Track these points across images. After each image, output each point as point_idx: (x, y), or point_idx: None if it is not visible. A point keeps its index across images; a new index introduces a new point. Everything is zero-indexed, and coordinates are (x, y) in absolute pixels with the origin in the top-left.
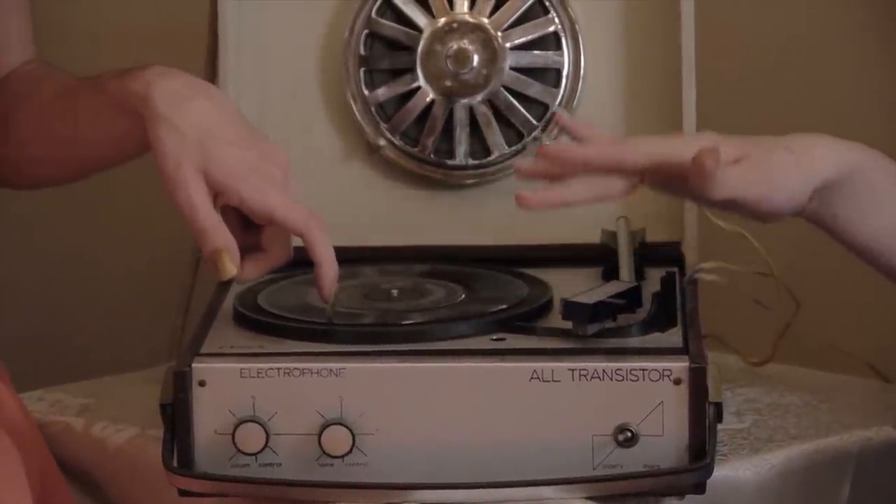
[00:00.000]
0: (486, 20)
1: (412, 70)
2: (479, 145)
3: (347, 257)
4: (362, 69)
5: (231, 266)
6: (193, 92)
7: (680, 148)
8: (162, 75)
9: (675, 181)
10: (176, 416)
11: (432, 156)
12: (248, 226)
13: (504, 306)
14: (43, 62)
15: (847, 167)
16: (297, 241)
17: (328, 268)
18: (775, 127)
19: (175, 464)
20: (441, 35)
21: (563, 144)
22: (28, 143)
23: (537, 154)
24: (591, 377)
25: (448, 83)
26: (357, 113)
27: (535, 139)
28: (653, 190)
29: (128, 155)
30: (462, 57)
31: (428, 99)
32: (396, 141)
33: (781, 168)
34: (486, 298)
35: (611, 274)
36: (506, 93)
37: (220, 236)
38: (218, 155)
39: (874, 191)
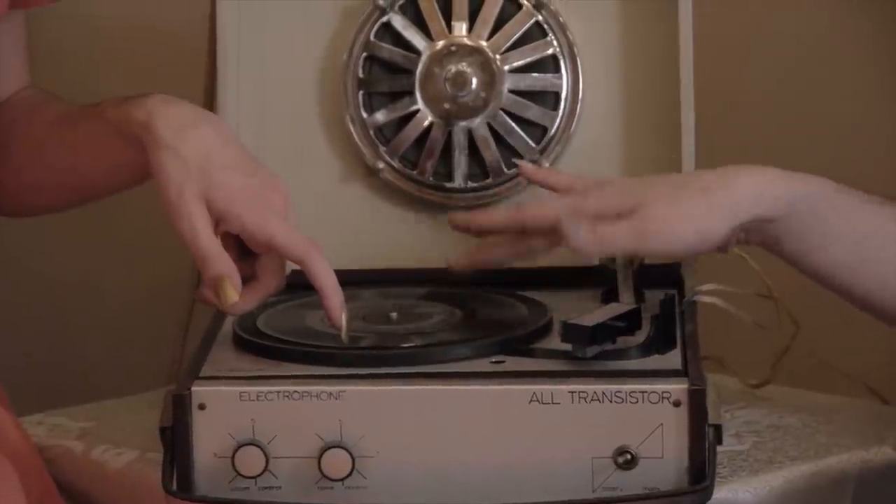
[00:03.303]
0: (484, 43)
1: (411, 93)
2: (478, 168)
3: (346, 280)
4: (361, 92)
5: (233, 293)
6: (195, 120)
7: (548, 213)
8: (164, 103)
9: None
10: (175, 440)
11: (431, 178)
12: (242, 255)
13: (503, 329)
14: (39, 89)
15: (790, 202)
16: (294, 265)
17: (332, 295)
18: (774, 149)
19: (175, 487)
20: (440, 58)
21: (466, 214)
22: (25, 171)
23: (449, 222)
24: (591, 399)
25: (447, 106)
26: (356, 136)
27: (534, 162)
28: None
29: (127, 183)
30: (461, 80)
31: (427, 122)
32: (395, 164)
33: (686, 214)
34: (485, 321)
35: (610, 296)
36: (504, 115)
37: (222, 264)
38: (220, 182)
39: (825, 224)
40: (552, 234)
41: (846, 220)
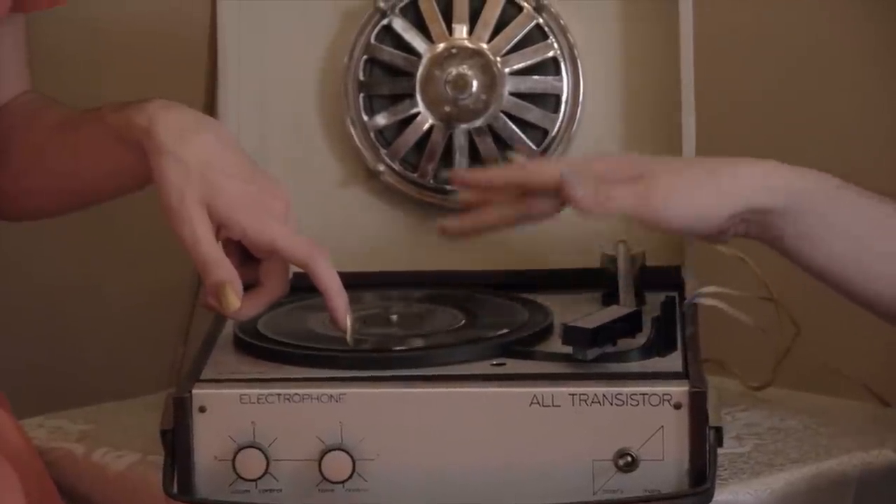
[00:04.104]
0: (485, 45)
1: (411, 95)
2: None
3: (347, 283)
4: (362, 94)
5: (235, 299)
6: (196, 125)
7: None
8: (165, 108)
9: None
10: (176, 443)
11: (432, 181)
12: (245, 261)
13: (504, 331)
14: (40, 94)
15: (790, 195)
16: (295, 268)
17: (336, 297)
18: (775, 150)
19: (175, 490)
20: (440, 60)
21: (465, 173)
22: (25, 175)
23: (450, 178)
24: (592, 402)
25: (447, 109)
26: (356, 138)
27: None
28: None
29: (128, 188)
30: (461, 82)
31: (427, 124)
32: (396, 166)
33: (690, 189)
34: (486, 323)
35: (611, 298)
36: (505, 118)
37: (224, 270)
38: (221, 188)
39: (824, 220)
40: (553, 195)
41: (845, 216)
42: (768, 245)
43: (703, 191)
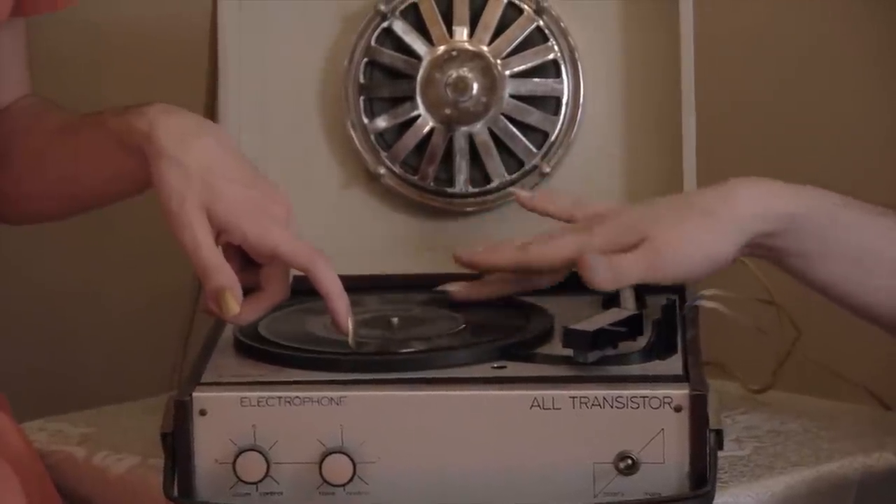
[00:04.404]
0: (485, 48)
1: (412, 98)
2: (479, 173)
3: (347, 286)
4: (362, 97)
5: (234, 305)
6: (197, 130)
7: (558, 252)
8: (165, 113)
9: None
10: (177, 445)
11: (432, 184)
12: (246, 265)
13: (504, 334)
14: (40, 98)
15: (790, 214)
16: (296, 272)
17: (338, 300)
18: (776, 154)
19: (176, 493)
20: (440, 63)
21: (472, 252)
22: (25, 180)
23: (456, 260)
24: (592, 405)
25: (448, 111)
26: (357, 141)
27: (535, 167)
28: None
29: (128, 192)
30: (462, 85)
31: (428, 127)
32: (396, 169)
33: (694, 239)
34: (486, 326)
35: (611, 301)
36: (506, 121)
37: (224, 275)
38: (221, 193)
39: (825, 238)
40: (559, 269)
41: (847, 234)
42: (772, 264)
43: (706, 236)
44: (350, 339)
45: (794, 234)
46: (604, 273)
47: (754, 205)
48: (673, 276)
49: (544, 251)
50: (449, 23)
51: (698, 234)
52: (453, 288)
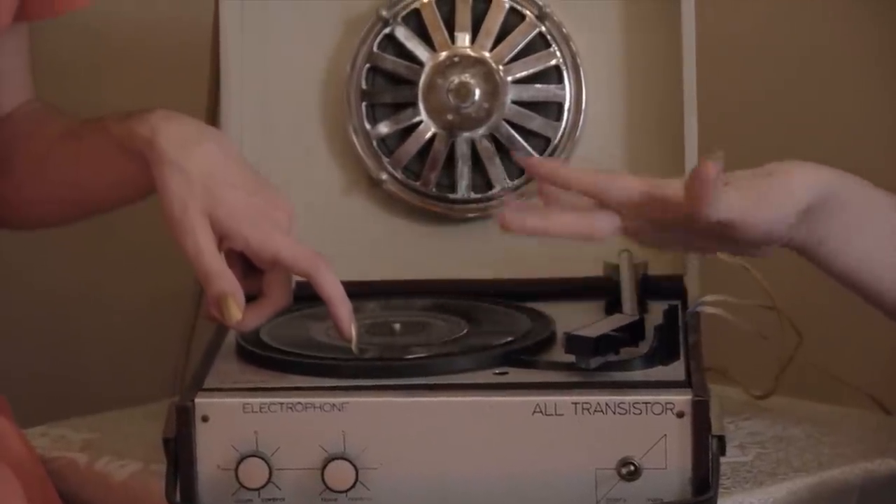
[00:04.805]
0: (487, 54)
1: (414, 104)
2: (481, 179)
3: (349, 292)
4: (364, 103)
5: (236, 311)
6: (199, 136)
7: (664, 183)
8: (167, 119)
9: (659, 222)
10: (179, 451)
11: (434, 190)
12: (248, 272)
13: (507, 340)
14: (43, 103)
15: (827, 190)
16: (298, 277)
17: (341, 306)
18: (778, 156)
19: (178, 499)
20: (442, 69)
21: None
22: (27, 185)
23: (525, 165)
24: (594, 411)
25: (450, 117)
26: (359, 147)
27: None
28: (632, 239)
29: (130, 198)
30: (463, 91)
31: (430, 133)
32: (398, 175)
33: (770, 191)
34: (488, 332)
35: (613, 307)
36: (508, 126)
37: (226, 281)
38: (223, 199)
39: (854, 214)
40: (617, 217)
41: (878, 211)
42: (804, 251)
43: (777, 194)
44: (353, 345)
45: (834, 209)
46: (715, 192)
47: (804, 177)
48: (764, 223)
49: (617, 181)
50: (451, 29)
51: (769, 191)
52: (510, 216)
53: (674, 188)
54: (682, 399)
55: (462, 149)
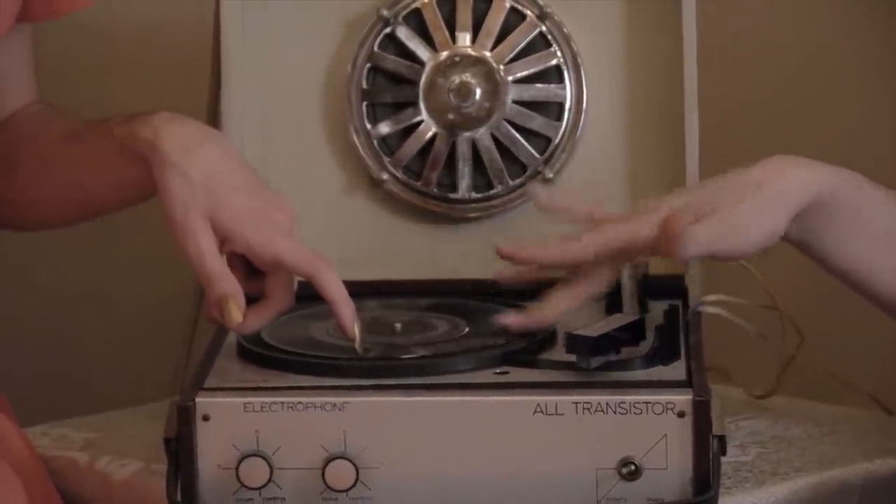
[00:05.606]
0: (488, 54)
1: (415, 104)
2: (482, 179)
3: (350, 291)
4: (365, 103)
5: (238, 313)
6: (201, 138)
7: (636, 229)
8: (169, 121)
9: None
10: (180, 451)
11: (435, 189)
12: (250, 274)
13: (507, 340)
14: (47, 104)
15: (827, 189)
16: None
17: (344, 306)
18: None
19: (179, 498)
20: (443, 69)
21: (522, 247)
22: (31, 187)
23: (498, 254)
24: (595, 410)
25: (450, 117)
26: (360, 147)
27: (538, 172)
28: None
29: (132, 200)
30: (464, 90)
31: (430, 132)
32: (399, 174)
33: (752, 211)
34: (489, 332)
35: (614, 307)
36: (508, 126)
37: (227, 283)
38: (225, 201)
39: (855, 211)
40: (605, 271)
41: (875, 211)
42: (803, 248)
43: (764, 210)
44: (357, 345)
45: (832, 209)
46: (683, 239)
47: (801, 178)
48: (739, 249)
49: (626, 231)
50: (452, 28)
51: (756, 207)
52: (498, 272)
53: (645, 237)
54: (682, 399)
55: (463, 148)
